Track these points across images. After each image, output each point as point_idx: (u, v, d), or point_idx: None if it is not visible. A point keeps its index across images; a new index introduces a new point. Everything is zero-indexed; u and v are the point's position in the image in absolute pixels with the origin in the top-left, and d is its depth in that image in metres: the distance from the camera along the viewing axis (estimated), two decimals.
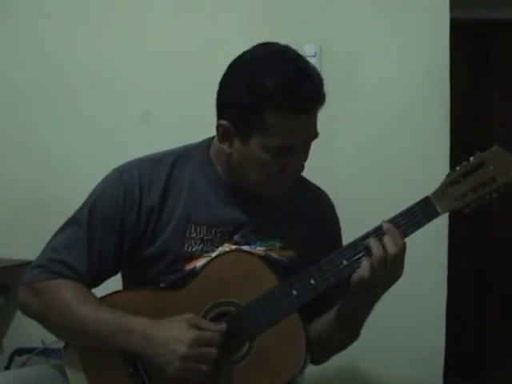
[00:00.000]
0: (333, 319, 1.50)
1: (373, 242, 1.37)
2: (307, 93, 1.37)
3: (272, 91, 1.36)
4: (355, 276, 1.38)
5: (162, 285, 1.50)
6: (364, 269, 1.36)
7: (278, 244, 1.53)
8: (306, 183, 1.64)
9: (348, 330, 1.52)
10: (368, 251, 1.37)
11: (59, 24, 2.67)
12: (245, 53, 1.46)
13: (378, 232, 1.39)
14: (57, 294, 1.46)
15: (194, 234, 1.50)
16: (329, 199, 1.67)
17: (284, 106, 1.36)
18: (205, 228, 1.50)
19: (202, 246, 1.50)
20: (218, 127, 1.46)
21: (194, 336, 1.35)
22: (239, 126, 1.42)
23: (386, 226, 1.38)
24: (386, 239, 1.36)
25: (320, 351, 1.54)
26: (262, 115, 1.37)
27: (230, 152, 1.46)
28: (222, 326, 1.40)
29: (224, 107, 1.45)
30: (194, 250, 1.50)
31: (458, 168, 1.39)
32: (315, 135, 1.46)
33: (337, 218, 1.67)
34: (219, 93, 1.47)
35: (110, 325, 1.40)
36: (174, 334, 1.36)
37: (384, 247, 1.36)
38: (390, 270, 1.37)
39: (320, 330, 1.52)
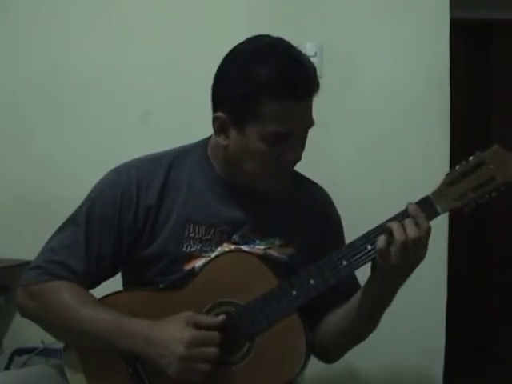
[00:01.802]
0: (352, 309, 1.47)
1: (394, 224, 1.35)
2: (301, 79, 1.39)
3: (266, 79, 1.37)
4: (377, 258, 1.36)
5: (161, 285, 1.49)
6: (379, 244, 1.34)
7: (277, 242, 1.53)
8: (303, 180, 1.64)
9: (369, 320, 1.49)
10: (389, 233, 1.35)
11: (59, 24, 2.67)
12: (238, 45, 1.48)
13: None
14: (56, 296, 1.45)
15: (193, 234, 1.50)
16: (326, 194, 1.66)
17: (279, 93, 1.37)
18: (203, 228, 1.50)
19: (200, 246, 1.50)
20: (213, 120, 1.47)
21: (191, 336, 1.35)
22: (235, 116, 1.42)
23: (411, 208, 1.36)
24: (408, 222, 1.34)
25: (336, 347, 1.53)
26: (257, 104, 1.38)
27: (226, 144, 1.46)
28: (221, 318, 1.40)
29: (219, 99, 1.46)
30: (192, 250, 1.49)
31: (457, 167, 1.39)
32: (311, 123, 1.46)
33: (335, 213, 1.66)
34: (214, 86, 1.48)
35: (110, 326, 1.40)
36: (173, 334, 1.36)
37: (405, 229, 1.34)
38: (412, 251, 1.34)
39: (335, 324, 1.51)
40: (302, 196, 1.60)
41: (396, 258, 1.34)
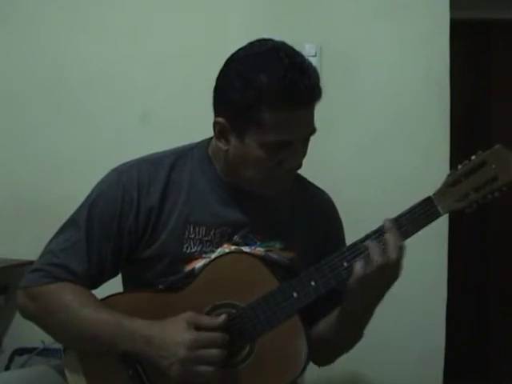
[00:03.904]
0: (335, 321, 1.48)
1: (371, 245, 1.36)
2: (303, 87, 1.36)
3: (267, 87, 1.35)
4: (351, 278, 1.37)
5: (160, 286, 1.48)
6: (358, 271, 1.35)
7: (278, 245, 1.52)
8: (306, 184, 1.63)
9: (350, 332, 1.50)
10: (367, 253, 1.36)
11: (59, 24, 2.67)
12: (240, 49, 1.45)
13: (378, 232, 1.38)
14: (57, 298, 1.44)
15: (193, 235, 1.49)
16: (330, 200, 1.65)
17: (279, 101, 1.35)
18: (204, 228, 1.49)
19: (200, 246, 1.49)
20: (214, 124, 1.45)
21: (192, 338, 1.34)
22: (235, 122, 1.41)
23: (387, 226, 1.36)
24: (386, 241, 1.35)
25: (323, 353, 1.53)
26: (257, 111, 1.37)
27: (226, 149, 1.45)
28: (222, 318, 1.39)
29: (220, 104, 1.45)
30: (192, 250, 1.48)
31: (459, 167, 1.38)
32: (312, 130, 1.44)
33: (339, 220, 1.65)
34: (215, 90, 1.46)
35: (111, 327, 1.39)
36: (173, 336, 1.34)
37: (383, 250, 1.34)
38: (388, 272, 1.35)
39: (322, 332, 1.51)
40: (305, 201, 1.58)
41: (372, 280, 1.35)
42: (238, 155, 1.44)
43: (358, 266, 1.36)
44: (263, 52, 1.40)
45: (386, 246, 1.35)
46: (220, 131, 1.45)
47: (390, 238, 1.35)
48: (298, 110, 1.38)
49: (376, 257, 1.34)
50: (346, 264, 1.39)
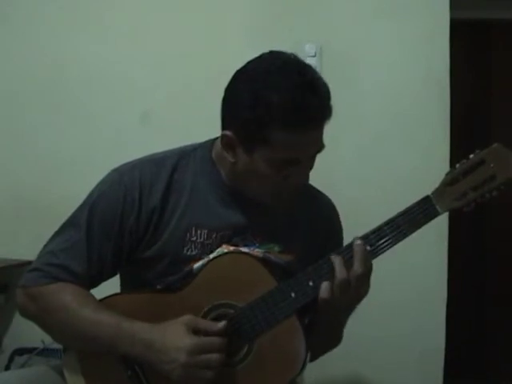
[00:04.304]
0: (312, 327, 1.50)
1: (337, 263, 1.38)
2: (313, 109, 1.35)
3: (277, 107, 1.34)
4: (319, 297, 1.39)
5: (158, 286, 1.48)
6: (323, 291, 1.37)
7: (276, 248, 1.51)
8: (309, 189, 1.61)
9: (326, 339, 1.54)
10: (332, 272, 1.38)
11: (59, 24, 2.68)
12: (250, 63, 1.43)
13: (347, 250, 1.40)
14: (56, 298, 1.44)
15: (195, 238, 1.48)
16: (332, 203, 1.65)
17: (289, 121, 1.34)
18: (206, 232, 1.49)
19: (201, 250, 1.48)
20: (222, 137, 1.45)
21: (192, 343, 1.34)
22: (243, 138, 1.40)
23: (355, 247, 1.38)
24: (354, 260, 1.37)
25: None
26: (266, 130, 1.36)
27: (234, 162, 1.45)
28: (222, 324, 1.39)
29: (228, 118, 1.43)
30: (193, 253, 1.48)
31: (457, 166, 1.38)
32: (321, 148, 1.44)
33: (340, 226, 1.65)
34: (224, 102, 1.44)
35: (111, 329, 1.39)
36: (174, 341, 1.34)
37: (348, 269, 1.37)
38: (354, 290, 1.38)
39: None
40: (306, 201, 1.57)
41: (338, 298, 1.38)
42: (245, 169, 1.43)
43: (321, 286, 1.38)
44: (274, 68, 1.38)
45: (352, 264, 1.37)
46: (228, 144, 1.44)
47: (357, 255, 1.38)
48: (307, 131, 1.37)
49: (339, 275, 1.37)
50: None
